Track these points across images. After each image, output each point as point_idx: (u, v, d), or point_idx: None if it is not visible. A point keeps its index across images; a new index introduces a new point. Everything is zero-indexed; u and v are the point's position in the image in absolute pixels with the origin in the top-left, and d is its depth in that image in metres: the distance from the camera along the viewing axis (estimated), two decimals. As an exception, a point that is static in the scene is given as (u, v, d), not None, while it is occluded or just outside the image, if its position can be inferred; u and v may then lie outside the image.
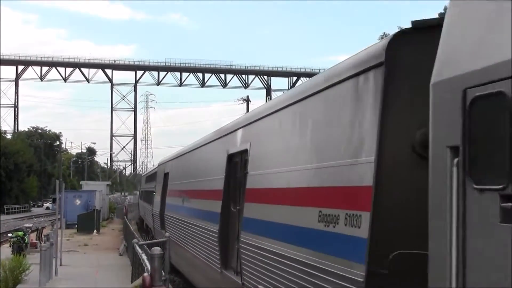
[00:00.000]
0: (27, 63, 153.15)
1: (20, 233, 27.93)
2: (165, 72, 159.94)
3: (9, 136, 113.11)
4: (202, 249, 13.19)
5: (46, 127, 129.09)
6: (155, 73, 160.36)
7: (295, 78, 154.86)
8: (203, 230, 13.02)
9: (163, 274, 11.73)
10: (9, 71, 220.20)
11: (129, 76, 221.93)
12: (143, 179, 48.55)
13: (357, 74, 5.81)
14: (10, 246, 28.00)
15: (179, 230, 17.38)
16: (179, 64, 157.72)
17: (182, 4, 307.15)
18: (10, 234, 30.43)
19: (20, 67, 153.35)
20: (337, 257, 5.73)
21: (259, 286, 8.25)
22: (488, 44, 3.61)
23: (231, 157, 11.13)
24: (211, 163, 13.37)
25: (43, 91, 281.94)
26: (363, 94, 5.66)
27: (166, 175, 22.49)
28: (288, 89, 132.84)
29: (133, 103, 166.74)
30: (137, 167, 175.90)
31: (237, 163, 10.71)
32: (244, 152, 9.93)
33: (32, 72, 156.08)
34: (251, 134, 9.82)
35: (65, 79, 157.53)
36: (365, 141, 5.51)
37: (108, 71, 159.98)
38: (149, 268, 11.92)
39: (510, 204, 3.24)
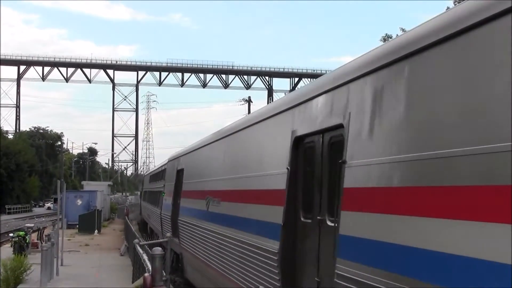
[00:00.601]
0: (29, 63, 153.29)
1: (22, 233, 27.93)
2: (167, 73, 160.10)
3: (10, 136, 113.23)
4: (244, 272, 9.65)
5: (47, 127, 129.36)
6: (156, 74, 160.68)
7: (296, 79, 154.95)
8: (247, 247, 9.51)
9: (164, 274, 11.72)
10: (11, 71, 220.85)
11: (130, 76, 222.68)
12: (146, 178, 45.94)
13: None
14: (11, 246, 28.00)
15: (201, 241, 13.81)
16: (181, 65, 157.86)
17: (183, 4, 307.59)
18: (11, 234, 30.46)
19: (22, 67, 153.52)
20: None
21: None
22: None
23: (299, 141, 7.79)
24: (259, 152, 9.84)
25: (45, 91, 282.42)
26: None
27: (180, 172, 19.17)
28: (290, 90, 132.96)
29: (135, 103, 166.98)
30: (139, 168, 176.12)
31: (312, 149, 7.42)
32: (333, 129, 6.71)
33: (33, 72, 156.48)
34: (352, 100, 6.25)
35: (66, 79, 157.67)
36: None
37: (110, 72, 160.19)
38: (150, 268, 11.93)
39: None
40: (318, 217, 6.96)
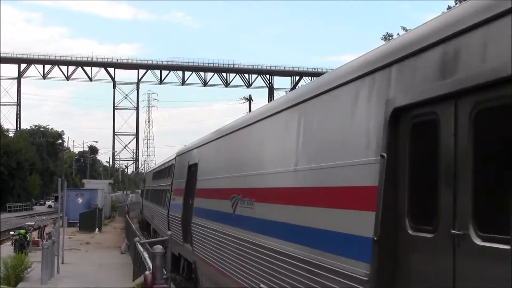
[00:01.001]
0: (30, 62, 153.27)
1: (22, 231, 27.95)
2: (168, 71, 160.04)
3: (11, 135, 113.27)
4: None
5: (48, 125, 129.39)
6: (157, 72, 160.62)
7: (297, 78, 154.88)
8: (305, 266, 7.02)
9: (165, 272, 11.72)
10: (11, 70, 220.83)
11: (131, 75, 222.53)
12: (148, 175, 43.42)
13: None
14: (12, 244, 28.02)
15: (224, 251, 11.37)
16: (182, 63, 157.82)
17: (185, 3, 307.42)
18: (12, 232, 30.47)
19: (23, 66, 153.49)
20: None
21: None
22: None
23: (402, 114, 5.34)
24: (323, 136, 7.10)
25: (46, 90, 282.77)
26: None
27: (192, 167, 16.68)
28: (291, 89, 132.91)
29: (136, 102, 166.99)
30: (139, 166, 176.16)
31: (429, 125, 4.92)
32: (482, 91, 4.29)
33: (34, 70, 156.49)
34: None
35: (67, 78, 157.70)
36: None
37: (111, 70, 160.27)
38: (151, 266, 11.93)
39: None
40: (452, 231, 4.50)
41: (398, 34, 31.51)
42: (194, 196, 15.60)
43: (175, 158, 22.37)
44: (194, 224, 14.94)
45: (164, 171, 27.64)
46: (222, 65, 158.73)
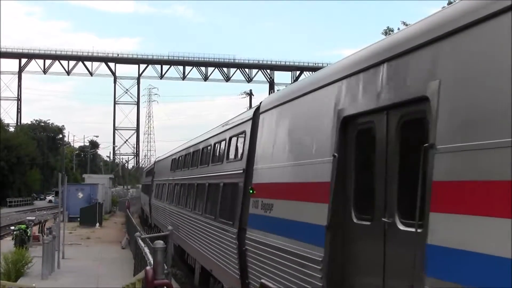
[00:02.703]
0: (30, 56, 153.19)
1: (23, 226, 27.93)
2: (168, 66, 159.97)
3: (12, 129, 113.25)
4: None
5: (49, 120, 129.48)
6: (158, 67, 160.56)
7: (298, 72, 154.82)
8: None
9: (166, 267, 11.68)
10: (12, 64, 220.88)
11: (132, 69, 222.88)
12: (160, 165, 33.14)
13: None
14: (12, 239, 28.01)
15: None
16: (182, 58, 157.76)
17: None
18: (12, 227, 30.49)
19: (23, 60, 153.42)
20: None
21: None
22: None
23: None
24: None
25: (46, 84, 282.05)
26: None
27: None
28: (292, 83, 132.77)
29: (136, 96, 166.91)
30: (140, 161, 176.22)
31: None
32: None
33: (35, 65, 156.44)
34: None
35: (68, 72, 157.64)
36: None
37: (111, 65, 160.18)
38: (152, 261, 11.89)
39: None
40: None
41: (398, 29, 31.38)
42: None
43: (254, 116, 11.16)
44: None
45: (212, 149, 15.70)
46: (222, 60, 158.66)
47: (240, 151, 12.04)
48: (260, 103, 10.94)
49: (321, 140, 7.07)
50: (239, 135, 12.27)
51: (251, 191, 10.12)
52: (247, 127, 11.50)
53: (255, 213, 9.86)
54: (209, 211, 14.69)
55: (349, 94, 6.42)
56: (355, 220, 6.18)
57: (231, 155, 13.09)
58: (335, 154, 6.39)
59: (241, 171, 11.32)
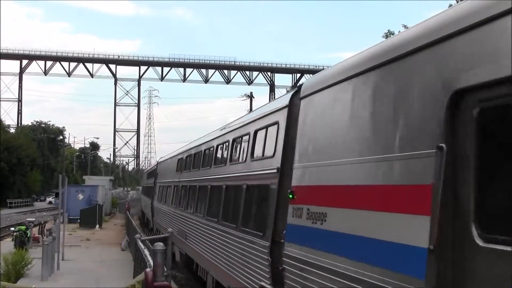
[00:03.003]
0: (31, 58, 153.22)
1: (23, 227, 27.94)
2: (169, 68, 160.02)
3: (12, 130, 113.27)
4: None
5: (49, 121, 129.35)
6: (158, 69, 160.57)
7: (298, 75, 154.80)
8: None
9: (165, 269, 11.69)
10: (13, 65, 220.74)
11: (132, 71, 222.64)
12: (163, 165, 31.24)
13: None
14: (12, 240, 28.01)
15: None
16: (183, 60, 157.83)
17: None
18: (12, 228, 30.50)
19: (24, 62, 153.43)
20: None
21: None
22: None
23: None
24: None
25: (47, 86, 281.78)
26: None
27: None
28: (292, 86, 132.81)
29: (137, 98, 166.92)
30: (140, 162, 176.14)
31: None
32: None
33: (36, 66, 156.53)
34: None
35: (69, 74, 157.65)
36: None
37: (112, 66, 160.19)
38: (152, 263, 11.89)
39: None
40: None
41: (399, 31, 31.40)
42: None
43: (291, 103, 9.37)
44: None
45: (231, 146, 13.70)
46: (223, 62, 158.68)
47: (271, 146, 9.90)
48: (299, 86, 8.98)
49: (413, 125, 5.10)
50: (269, 127, 10.28)
51: (290, 196, 8.16)
52: (281, 117, 9.48)
53: (297, 223, 7.83)
54: (227, 218, 12.56)
55: (467, 56, 4.39)
56: (479, 242, 4.03)
57: (258, 152, 10.94)
58: (442, 145, 4.36)
59: (275, 171, 9.36)
